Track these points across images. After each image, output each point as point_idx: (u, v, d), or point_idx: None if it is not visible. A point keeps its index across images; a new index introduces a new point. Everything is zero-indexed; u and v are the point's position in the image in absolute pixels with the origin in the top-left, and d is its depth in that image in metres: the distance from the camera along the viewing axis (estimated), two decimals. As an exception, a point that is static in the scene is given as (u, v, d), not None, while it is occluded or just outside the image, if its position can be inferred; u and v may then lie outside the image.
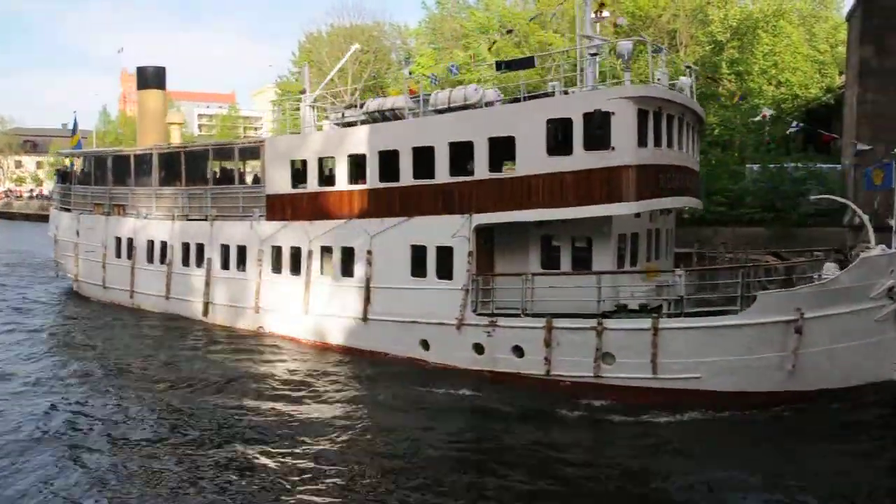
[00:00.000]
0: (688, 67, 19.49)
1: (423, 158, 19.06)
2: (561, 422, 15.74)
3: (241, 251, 23.22)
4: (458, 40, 58.90)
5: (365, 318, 20.00)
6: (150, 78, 29.80)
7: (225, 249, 23.76)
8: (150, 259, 26.23)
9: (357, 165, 20.48)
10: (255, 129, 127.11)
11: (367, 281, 19.90)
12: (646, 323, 15.85)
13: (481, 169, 18.02)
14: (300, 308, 21.44)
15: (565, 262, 17.90)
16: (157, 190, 26.18)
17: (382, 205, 19.83)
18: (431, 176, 18.91)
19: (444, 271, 18.59)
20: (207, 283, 24.10)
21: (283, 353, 21.03)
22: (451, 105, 18.76)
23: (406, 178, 19.32)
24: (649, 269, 18.46)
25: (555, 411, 16.13)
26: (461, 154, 18.47)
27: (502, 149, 17.82)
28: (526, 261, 18.34)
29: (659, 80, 17.95)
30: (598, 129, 16.40)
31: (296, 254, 21.75)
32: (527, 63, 18.64)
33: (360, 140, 20.30)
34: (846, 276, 15.38)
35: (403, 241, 19.27)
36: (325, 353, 20.70)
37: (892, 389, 16.07)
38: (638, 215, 17.94)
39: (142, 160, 26.85)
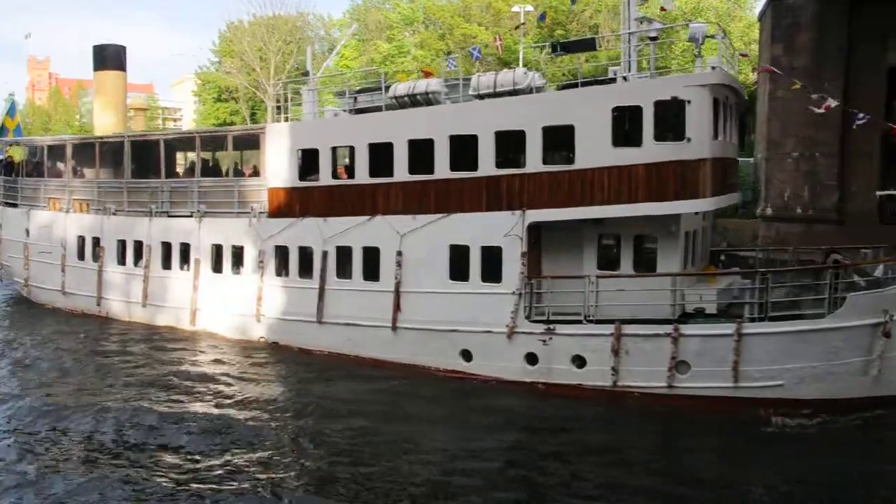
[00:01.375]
0: (742, 55, 18.48)
1: (464, 148, 17.31)
2: (633, 435, 14.55)
3: (238, 252, 20.73)
4: (382, 31, 58.37)
5: (394, 327, 18.06)
6: (110, 57, 26.47)
7: (217, 250, 21.17)
8: (122, 261, 23.20)
9: (382, 156, 18.45)
10: (175, 120, 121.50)
11: (397, 285, 17.97)
12: (729, 328, 14.76)
13: (534, 161, 16.45)
14: (313, 316, 19.24)
15: (626, 264, 16.58)
16: (129, 182, 23.15)
17: (414, 200, 17.93)
18: (474, 168, 17.18)
19: (491, 274, 16.92)
20: (195, 288, 21.44)
21: (296, 367, 18.75)
22: (498, 90, 17.07)
23: (443, 170, 17.50)
24: (708, 270, 17.45)
25: (625, 424, 14.96)
26: (510, 144, 16.85)
27: (559, 139, 16.33)
28: (580, 261, 16.92)
29: (714, 67, 16.86)
30: (672, 118, 15.17)
31: (306, 255, 19.52)
32: (588, 45, 17.19)
33: (386, 127, 18.32)
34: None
35: (441, 241, 17.46)
36: (344, 366, 18.58)
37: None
38: (697, 212, 16.88)
39: (110, 149, 23.72)
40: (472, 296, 17.10)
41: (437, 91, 17.97)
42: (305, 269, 19.55)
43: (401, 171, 18.07)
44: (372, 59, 53.78)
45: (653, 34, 16.44)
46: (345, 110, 20.49)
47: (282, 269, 19.96)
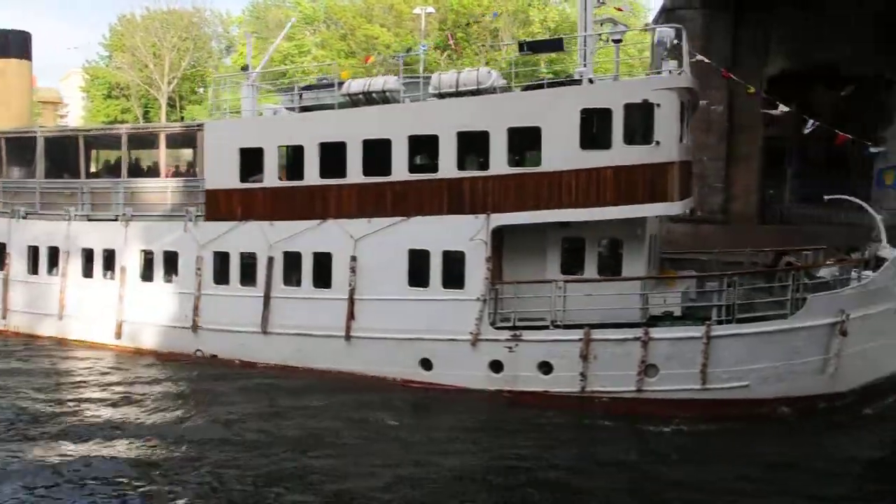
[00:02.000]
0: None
1: (424, 149, 16.67)
2: (603, 441, 14.34)
3: (171, 258, 19.11)
4: (281, 30, 57.87)
5: (348, 337, 17.11)
6: (12, 44, 23.93)
7: (146, 256, 19.45)
8: (34, 269, 20.94)
9: (333, 156, 17.48)
10: (61, 116, 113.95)
11: (351, 292, 17.04)
12: (698, 331, 14.81)
13: (499, 163, 15.99)
14: (258, 326, 17.96)
15: (590, 268, 16.37)
16: (41, 183, 20.93)
17: (368, 203, 17.08)
18: (434, 170, 16.55)
19: (453, 279, 16.31)
20: (121, 299, 19.60)
21: (239, 382, 17.37)
22: (460, 89, 16.49)
23: (400, 171, 16.75)
24: (667, 273, 17.55)
25: (592, 430, 14.74)
26: (472, 145, 16.32)
27: (525, 140, 15.96)
28: (543, 266, 16.57)
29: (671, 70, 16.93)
30: (642, 121, 15.10)
31: (249, 261, 18.23)
32: (555, 45, 16.88)
33: (339, 126, 17.38)
34: (880, 276, 15.40)
35: (399, 245, 16.69)
36: (293, 378, 17.44)
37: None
38: (658, 216, 16.95)
39: (18, 146, 21.38)
40: (433, 302, 16.43)
41: (395, 89, 17.20)
42: (248, 277, 18.25)
43: (354, 173, 17.17)
44: (271, 59, 52.53)
45: (617, 37, 16.36)
46: (288, 108, 19.34)
47: (221, 276, 18.55)
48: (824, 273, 16.28)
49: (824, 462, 13.33)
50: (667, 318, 15.45)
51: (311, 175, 17.61)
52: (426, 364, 16.59)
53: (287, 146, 18.04)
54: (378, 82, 17.23)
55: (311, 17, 57.09)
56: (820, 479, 12.59)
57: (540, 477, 12.51)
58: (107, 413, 15.35)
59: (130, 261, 19.55)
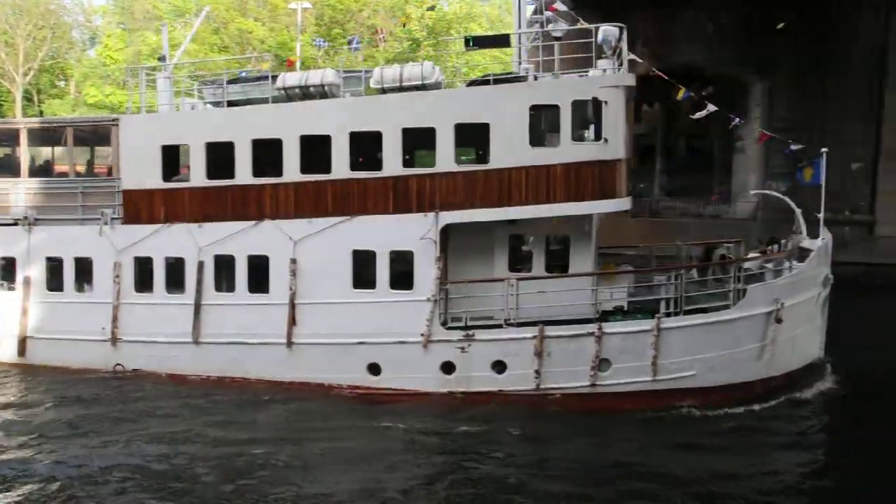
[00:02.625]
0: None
1: (366, 146, 16.03)
2: (557, 438, 14.34)
3: (84, 266, 17.41)
4: (150, 21, 55.51)
5: (289, 343, 16.22)
6: None
7: (54, 264, 17.60)
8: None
9: (267, 153, 16.51)
10: None
11: (292, 296, 16.15)
12: (649, 324, 15.08)
13: (446, 160, 15.62)
14: (188, 336, 16.69)
15: (538, 265, 16.34)
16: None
17: (307, 202, 16.26)
18: (378, 167, 15.96)
19: (401, 280, 15.81)
20: (25, 312, 17.65)
21: (168, 397, 16.07)
22: (404, 84, 15.96)
23: (341, 169, 16.04)
24: (608, 268, 17.78)
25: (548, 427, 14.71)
26: (418, 142, 15.89)
27: (473, 137, 15.69)
28: (490, 264, 16.38)
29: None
30: (590, 118, 15.19)
31: (176, 266, 16.91)
32: (501, 41, 16.62)
33: (274, 122, 16.44)
34: (807, 266, 16.30)
35: (343, 246, 15.99)
36: (228, 390, 16.35)
37: (819, 369, 17.52)
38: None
39: None
40: (381, 305, 15.86)
41: (334, 83, 16.42)
42: (175, 283, 16.93)
43: (291, 171, 16.29)
44: (139, 52, 50.02)
45: (557, 34, 16.37)
46: (211, 103, 18.10)
47: (144, 283, 17.10)
48: (751, 265, 17.04)
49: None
50: (617, 313, 15.63)
51: (244, 173, 16.55)
52: (374, 369, 16.00)
53: (216, 143, 16.81)
54: (316, 76, 16.42)
55: (182, 9, 54.42)
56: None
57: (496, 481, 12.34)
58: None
59: (35, 269, 17.64)
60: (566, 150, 15.26)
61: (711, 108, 17.54)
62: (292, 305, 16.12)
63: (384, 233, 15.79)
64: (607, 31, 15.37)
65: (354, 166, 16.02)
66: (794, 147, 17.77)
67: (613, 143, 15.21)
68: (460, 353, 15.52)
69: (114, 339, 17.13)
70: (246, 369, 16.52)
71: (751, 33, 30.29)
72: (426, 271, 15.60)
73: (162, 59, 18.36)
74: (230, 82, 17.78)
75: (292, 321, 16.15)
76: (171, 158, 17.00)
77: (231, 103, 17.56)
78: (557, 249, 16.31)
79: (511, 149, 15.33)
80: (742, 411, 15.26)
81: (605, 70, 15.99)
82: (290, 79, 16.53)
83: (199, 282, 16.63)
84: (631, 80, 15.55)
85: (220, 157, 16.82)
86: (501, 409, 15.18)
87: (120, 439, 13.82)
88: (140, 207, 17.12)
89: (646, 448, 13.82)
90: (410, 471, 12.89)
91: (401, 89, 16.00)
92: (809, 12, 29.22)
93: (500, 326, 15.48)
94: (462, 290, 15.79)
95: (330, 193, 16.10)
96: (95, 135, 18.04)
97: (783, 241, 18.05)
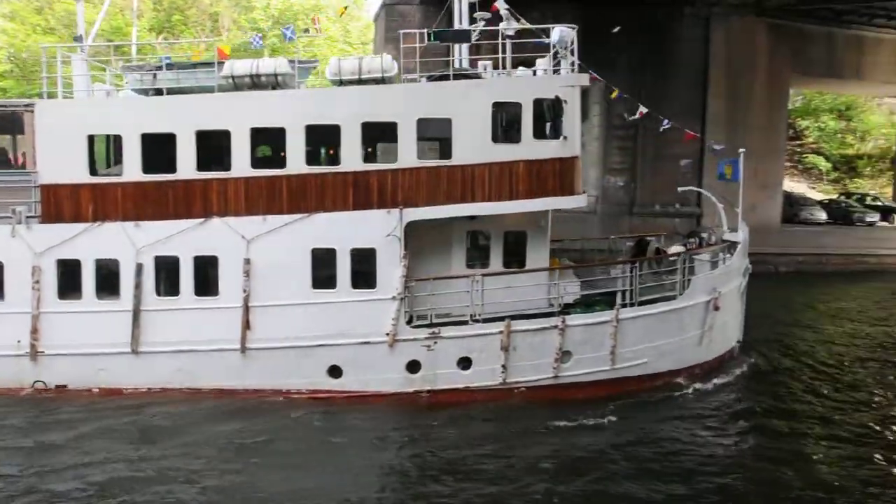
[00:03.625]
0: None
1: (324, 140, 15.44)
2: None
3: None
4: None
5: (243, 349, 15.28)
6: None
7: None
8: None
9: (214, 146, 15.42)
10: None
11: (245, 299, 15.23)
12: (609, 315, 15.72)
13: (408, 155, 15.37)
14: (125, 346, 15.24)
15: (496, 260, 16.49)
16: None
17: (260, 199, 15.38)
18: (336, 162, 15.42)
19: (364, 279, 15.38)
20: (-85, 326, 15.30)
21: (103, 415, 14.56)
22: (363, 77, 15.48)
23: (296, 163, 15.33)
24: (554, 263, 18.26)
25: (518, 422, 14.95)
26: (377, 137, 15.50)
27: (435, 133, 15.53)
28: (448, 260, 16.34)
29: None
30: (551, 116, 15.53)
31: (108, 270, 15.37)
32: (463, 36, 16.42)
33: (222, 112, 15.37)
34: (736, 257, 17.71)
35: (300, 245, 15.30)
36: (172, 403, 15.14)
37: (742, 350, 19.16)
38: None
39: None
40: (342, 305, 15.36)
41: (287, 73, 15.60)
42: (108, 288, 15.40)
43: (241, 165, 15.33)
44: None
45: (510, 32, 16.55)
46: (136, 90, 16.59)
47: (69, 289, 15.39)
48: (674, 250, 18.23)
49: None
50: (577, 306, 16.13)
51: (187, 167, 15.34)
52: (335, 371, 15.47)
53: (154, 134, 15.42)
54: (268, 65, 15.51)
55: None
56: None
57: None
58: None
59: (-73, 277, 15.35)
60: (528, 148, 15.52)
61: (643, 109, 18.52)
62: (246, 308, 15.20)
63: (345, 230, 15.28)
64: (564, 31, 15.76)
65: (310, 160, 15.35)
66: (716, 147, 19.15)
67: (572, 140, 15.67)
68: (426, 352, 15.37)
69: (33, 354, 15.29)
70: (193, 379, 15.37)
71: (588, 33, 31.48)
72: (390, 269, 15.29)
73: (78, 38, 16.52)
74: (158, 68, 16.39)
75: (246, 325, 15.22)
76: (99, 150, 15.41)
77: (160, 91, 16.21)
78: (514, 245, 16.54)
79: (474, 145, 15.35)
80: (689, 392, 16.37)
81: (545, 70, 16.42)
82: (240, 66, 15.51)
83: (138, 286, 15.23)
84: (585, 80, 16.08)
85: (158, 149, 15.47)
86: (469, 406, 15.22)
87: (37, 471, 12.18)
88: (62, 204, 15.38)
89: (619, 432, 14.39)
90: (378, 474, 12.56)
91: (360, 82, 15.52)
92: (643, 14, 31.13)
93: (465, 323, 15.49)
94: (426, 287, 15.61)
95: (285, 189, 15.33)
96: (2, 121, 15.94)
97: (704, 235, 19.48)
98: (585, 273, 16.80)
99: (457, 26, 17.37)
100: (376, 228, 15.27)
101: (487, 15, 17.17)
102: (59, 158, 15.31)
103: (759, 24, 34.94)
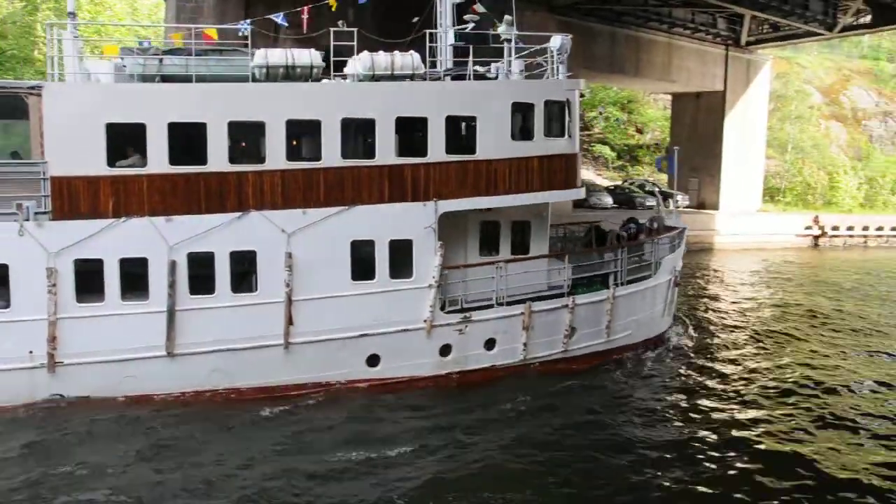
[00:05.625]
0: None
1: (359, 133, 15.73)
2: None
3: None
4: None
5: (286, 345, 15.16)
6: None
7: None
8: None
9: (247, 137, 15.06)
10: None
11: (288, 294, 15.10)
12: (606, 294, 17.86)
13: (438, 150, 16.21)
14: (158, 349, 14.37)
15: (504, 248, 17.86)
16: None
17: (297, 191, 15.31)
18: (370, 155, 15.80)
19: (401, 269, 15.98)
20: None
21: (137, 422, 13.70)
22: (396, 73, 15.97)
23: (332, 156, 15.48)
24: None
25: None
26: (410, 132, 16.13)
27: (462, 129, 16.52)
28: (464, 248, 17.44)
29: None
30: (558, 116, 17.21)
31: (136, 269, 14.34)
32: (484, 40, 17.29)
33: (257, 103, 15.01)
34: (685, 241, 20.88)
35: (341, 237, 15.51)
36: (212, 407, 14.62)
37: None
38: None
39: None
40: (381, 295, 15.84)
41: (321, 66, 15.59)
42: (136, 288, 14.37)
43: (276, 157, 15.14)
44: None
45: (508, 36, 17.93)
46: (138, 75, 15.45)
47: (89, 291, 14.11)
48: (618, 227, 21.01)
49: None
50: (580, 287, 18.05)
51: (218, 159, 14.79)
52: (373, 360, 15.91)
53: (183, 123, 14.60)
54: (304, 56, 15.38)
55: None
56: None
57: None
58: None
59: None
60: (540, 144, 17.10)
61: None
62: (289, 302, 15.08)
63: (384, 222, 15.74)
64: (564, 39, 17.53)
65: (346, 153, 15.57)
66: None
67: (574, 138, 17.55)
68: (458, 335, 16.38)
69: (51, 364, 13.82)
70: (231, 378, 14.91)
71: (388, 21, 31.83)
72: (426, 258, 16.04)
73: (72, 15, 14.96)
74: (168, 52, 15.45)
75: (289, 320, 15.10)
76: (120, 139, 14.23)
77: (166, 78, 15.31)
78: (520, 234, 18.06)
79: (496, 141, 16.59)
80: (657, 354, 19.20)
81: (521, 71, 18.14)
82: (273, 56, 15.20)
83: (172, 284, 14.40)
84: (583, 84, 18.02)
85: (187, 139, 14.72)
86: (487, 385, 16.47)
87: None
88: (78, 199, 14.03)
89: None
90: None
91: (392, 77, 16.01)
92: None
93: (491, 307, 16.72)
94: (456, 275, 16.58)
95: (322, 182, 15.40)
96: (4, 106, 14.00)
97: (642, 222, 22.42)
98: (582, 258, 18.77)
99: (443, 26, 18.40)
100: (413, 220, 15.92)
101: (476, 17, 18.39)
102: (72, 148, 13.95)
103: (550, 21, 37.09)
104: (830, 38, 49.68)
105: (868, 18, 43.40)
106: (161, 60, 15.31)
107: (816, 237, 49.64)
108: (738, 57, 48.85)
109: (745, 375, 18.04)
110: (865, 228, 52.24)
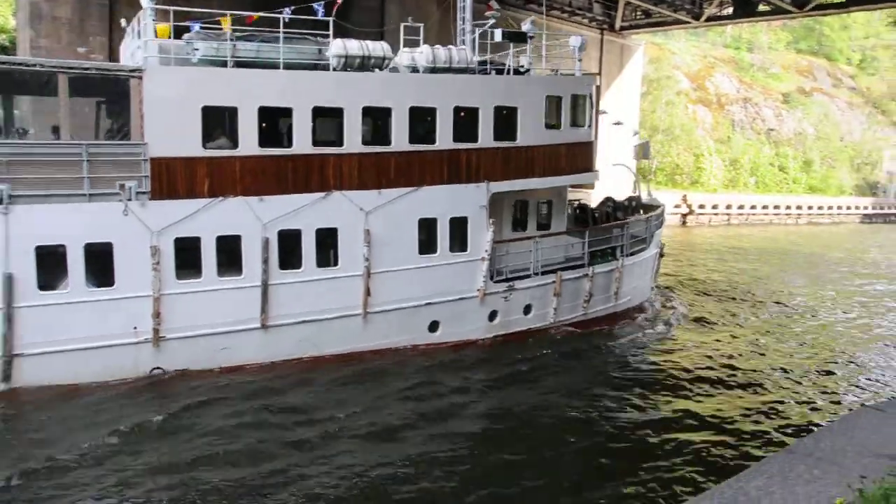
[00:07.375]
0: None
1: (423, 121, 17.08)
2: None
3: (100, 254, 13.76)
4: None
5: (364, 314, 16.39)
6: None
7: (52, 255, 13.35)
8: None
9: (329, 123, 15.97)
10: None
11: (367, 268, 16.31)
12: (615, 265, 20.41)
13: (487, 136, 17.90)
14: (253, 321, 15.15)
15: (531, 225, 19.92)
16: None
17: (372, 173, 16.49)
18: (432, 141, 17.22)
19: (458, 243, 17.62)
20: (9, 321, 13.00)
21: (227, 393, 14.31)
22: (453, 66, 17.40)
23: (401, 141, 16.77)
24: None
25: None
26: (464, 119, 17.67)
27: (506, 118, 18.26)
28: (500, 225, 19.27)
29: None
30: (580, 108, 19.39)
31: (230, 246, 14.98)
32: (521, 38, 18.82)
33: (338, 91, 15.95)
34: (665, 217, 23.89)
35: (410, 215, 16.88)
36: (305, 372, 15.63)
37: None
38: None
39: None
40: (442, 267, 17.41)
41: (391, 57, 16.72)
42: (230, 264, 15.03)
43: (353, 141, 16.21)
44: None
45: (531, 35, 19.83)
46: (208, 58, 15.78)
47: (188, 268, 14.61)
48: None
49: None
50: (595, 258, 20.43)
51: (303, 143, 15.65)
52: (433, 326, 17.48)
53: (271, 108, 15.28)
54: (377, 48, 16.43)
55: None
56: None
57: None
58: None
59: (18, 264, 13.11)
60: (566, 133, 19.22)
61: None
62: (367, 275, 16.28)
63: (446, 201, 17.26)
64: (581, 39, 19.67)
65: (412, 139, 16.88)
66: (615, 123, 25.00)
67: (592, 128, 19.84)
68: (504, 302, 18.30)
69: (155, 339, 14.25)
70: (317, 347, 15.96)
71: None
72: (479, 234, 17.75)
73: (149, -2, 15.03)
74: (243, 38, 15.88)
75: (367, 291, 16.32)
76: (213, 122, 14.71)
77: (243, 64, 15.79)
78: (545, 211, 20.17)
79: (533, 130, 18.52)
80: (644, 318, 22.08)
81: (530, 63, 20.24)
82: (352, 46, 16.13)
83: (266, 260, 15.18)
84: (598, 81, 20.30)
85: (275, 123, 15.45)
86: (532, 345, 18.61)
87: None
88: (176, 179, 14.42)
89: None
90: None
91: (449, 70, 17.44)
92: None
93: (529, 276, 18.74)
94: (502, 248, 18.43)
95: (393, 165, 16.64)
96: (103, 85, 13.93)
97: (619, 200, 25.18)
98: (598, 234, 21.07)
99: (460, 23, 19.98)
100: (469, 199, 17.57)
101: (497, 13, 20.12)
102: (170, 129, 14.31)
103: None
104: (697, 27, 51.84)
105: (730, 10, 47.29)
106: (234, 46, 15.77)
107: (685, 215, 54.39)
108: (613, 41, 49.42)
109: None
110: (728, 207, 58.10)
